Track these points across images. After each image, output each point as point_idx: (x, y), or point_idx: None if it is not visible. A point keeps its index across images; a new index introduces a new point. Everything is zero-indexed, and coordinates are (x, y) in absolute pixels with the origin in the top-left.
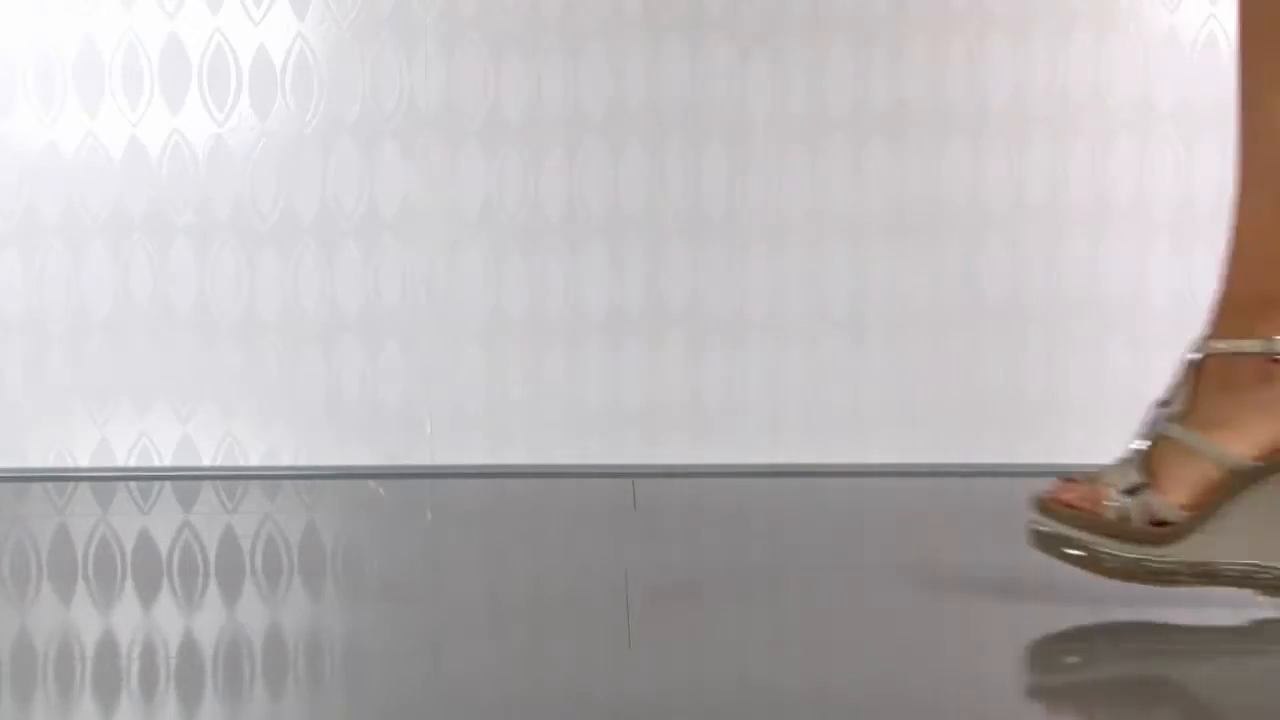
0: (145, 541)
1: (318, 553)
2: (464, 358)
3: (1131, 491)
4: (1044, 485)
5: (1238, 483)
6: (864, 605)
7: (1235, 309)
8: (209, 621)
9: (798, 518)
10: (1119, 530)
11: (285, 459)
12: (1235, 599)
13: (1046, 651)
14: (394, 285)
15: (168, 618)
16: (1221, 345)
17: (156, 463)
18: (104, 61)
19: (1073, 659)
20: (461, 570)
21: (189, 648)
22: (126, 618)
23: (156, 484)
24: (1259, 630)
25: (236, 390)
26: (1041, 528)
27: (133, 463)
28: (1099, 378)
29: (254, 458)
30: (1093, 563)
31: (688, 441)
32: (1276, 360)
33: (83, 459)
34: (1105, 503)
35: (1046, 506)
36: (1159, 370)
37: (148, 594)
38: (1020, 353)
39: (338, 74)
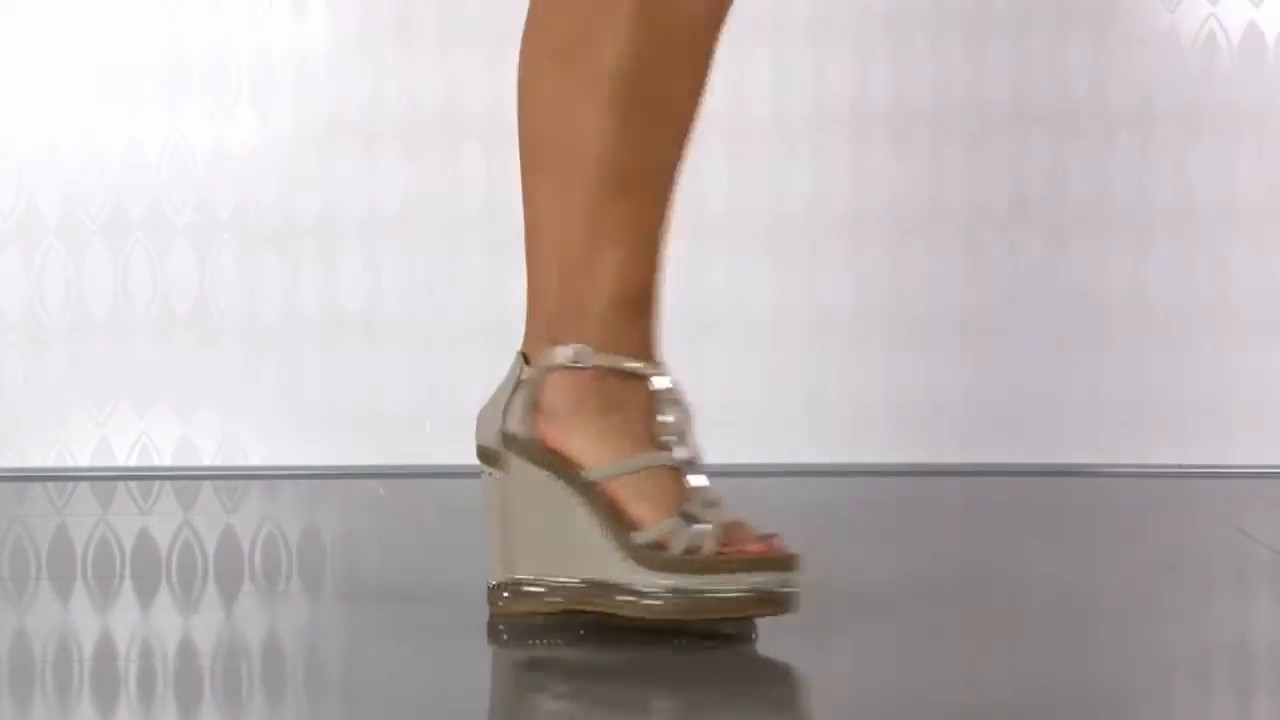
0: (145, 541)
1: (318, 553)
2: (464, 357)
3: None
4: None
5: None
6: (867, 604)
7: None
8: (208, 622)
9: (793, 517)
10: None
11: (285, 459)
12: None
13: None
14: (394, 285)
15: (166, 618)
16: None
17: (156, 462)
18: (104, 62)
19: None
20: (470, 571)
21: (187, 649)
22: (125, 618)
23: (156, 484)
24: None
25: (236, 390)
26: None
27: (133, 462)
28: (1100, 377)
29: (254, 458)
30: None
31: None
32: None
33: (83, 459)
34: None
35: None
36: (1159, 369)
37: (147, 594)
38: (1020, 352)
39: (338, 74)
